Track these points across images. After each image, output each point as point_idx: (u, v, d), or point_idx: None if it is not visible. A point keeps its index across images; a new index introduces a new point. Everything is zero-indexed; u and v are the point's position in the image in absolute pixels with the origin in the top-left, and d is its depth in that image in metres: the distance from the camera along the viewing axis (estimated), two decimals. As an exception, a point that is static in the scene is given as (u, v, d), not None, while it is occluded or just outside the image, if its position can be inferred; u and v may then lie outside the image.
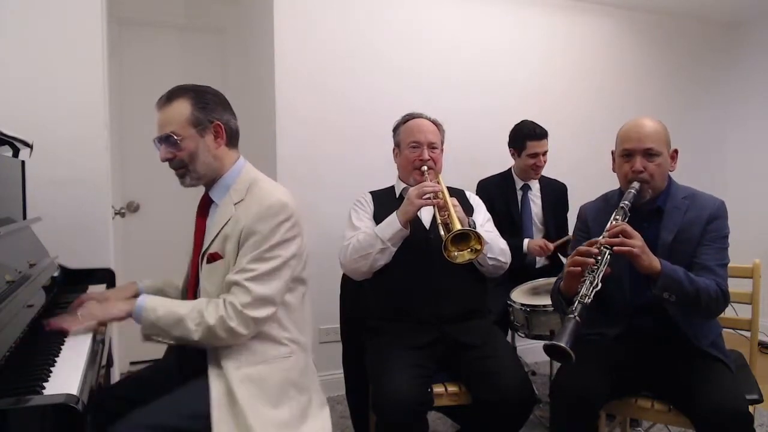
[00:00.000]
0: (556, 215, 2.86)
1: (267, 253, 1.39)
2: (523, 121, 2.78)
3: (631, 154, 1.69)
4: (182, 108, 1.45)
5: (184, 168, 1.48)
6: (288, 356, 1.46)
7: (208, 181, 1.52)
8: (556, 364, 2.49)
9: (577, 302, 1.45)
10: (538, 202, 2.83)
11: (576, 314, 1.42)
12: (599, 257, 1.52)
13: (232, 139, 1.53)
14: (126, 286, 1.68)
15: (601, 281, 1.48)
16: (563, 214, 2.91)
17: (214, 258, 1.45)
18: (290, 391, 1.44)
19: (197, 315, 1.35)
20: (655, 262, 1.54)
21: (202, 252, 1.49)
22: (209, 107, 1.48)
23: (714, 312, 1.64)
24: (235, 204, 1.46)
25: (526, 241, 2.69)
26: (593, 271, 1.50)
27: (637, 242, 1.53)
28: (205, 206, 1.56)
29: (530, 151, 2.72)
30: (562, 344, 1.34)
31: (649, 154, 1.68)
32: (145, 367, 1.70)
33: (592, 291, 1.46)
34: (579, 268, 1.53)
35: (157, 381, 1.53)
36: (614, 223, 1.58)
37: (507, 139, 2.84)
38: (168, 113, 1.46)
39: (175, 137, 1.44)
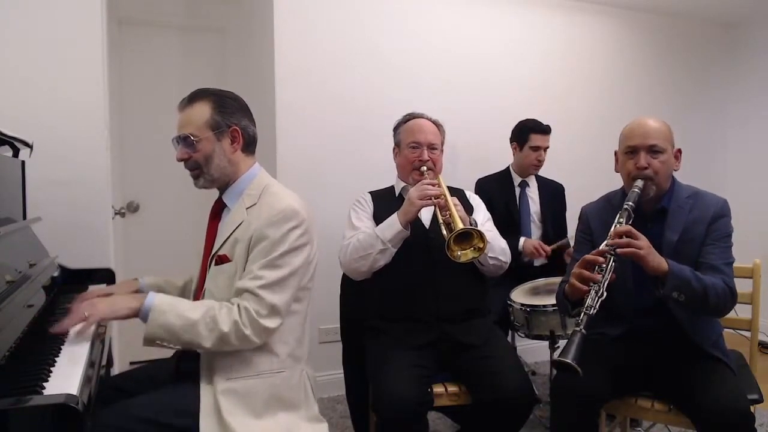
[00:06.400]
0: (554, 214, 2.87)
1: (278, 260, 1.38)
2: (528, 118, 2.82)
3: (635, 150, 1.69)
4: (202, 111, 1.47)
5: (198, 169, 1.49)
6: (280, 371, 1.44)
7: (221, 184, 1.53)
8: (557, 364, 2.49)
9: (583, 314, 1.46)
10: (536, 199, 2.84)
11: (582, 326, 1.43)
12: (604, 266, 1.51)
13: (249, 145, 1.54)
14: (127, 282, 1.68)
15: (606, 290, 1.48)
16: (561, 214, 2.92)
17: (222, 260, 1.46)
18: (275, 406, 1.41)
19: (210, 321, 1.32)
20: (662, 262, 1.53)
21: (212, 254, 1.49)
22: (229, 112, 1.49)
23: (722, 310, 1.62)
24: (247, 208, 1.46)
25: (522, 239, 2.67)
26: (598, 281, 1.50)
27: (642, 243, 1.53)
28: (217, 210, 1.57)
29: (533, 144, 2.75)
30: (568, 360, 1.36)
31: (653, 150, 1.67)
32: (146, 365, 1.70)
33: (597, 301, 1.47)
34: (586, 287, 1.52)
35: (155, 377, 1.53)
36: (618, 226, 1.58)
37: (507, 139, 2.85)
38: (188, 114, 1.48)
39: (192, 138, 1.46)
